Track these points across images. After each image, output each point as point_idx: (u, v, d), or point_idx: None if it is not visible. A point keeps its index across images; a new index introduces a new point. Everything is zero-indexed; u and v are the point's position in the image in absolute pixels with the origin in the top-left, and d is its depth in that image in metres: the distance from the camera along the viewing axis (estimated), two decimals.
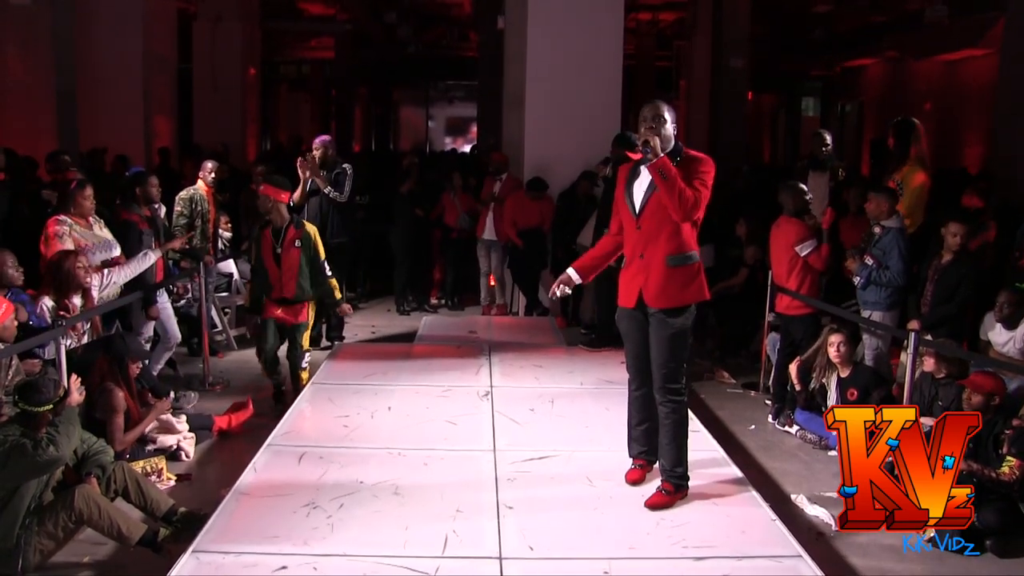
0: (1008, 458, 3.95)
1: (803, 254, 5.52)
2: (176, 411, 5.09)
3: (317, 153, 6.76)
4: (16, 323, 4.19)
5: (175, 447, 4.75)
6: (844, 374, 5.18)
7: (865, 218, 5.92)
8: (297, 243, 5.47)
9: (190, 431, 4.87)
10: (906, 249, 5.39)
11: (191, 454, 4.80)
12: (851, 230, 6.43)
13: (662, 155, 3.61)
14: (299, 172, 6.56)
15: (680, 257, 3.73)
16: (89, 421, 4.20)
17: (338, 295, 5.78)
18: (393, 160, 13.34)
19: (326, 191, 6.71)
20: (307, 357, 5.72)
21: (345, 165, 6.87)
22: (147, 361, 5.33)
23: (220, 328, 7.17)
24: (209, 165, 6.86)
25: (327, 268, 5.58)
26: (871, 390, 5.00)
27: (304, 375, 5.71)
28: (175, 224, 6.49)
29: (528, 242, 7.86)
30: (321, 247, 5.58)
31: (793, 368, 5.43)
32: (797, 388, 5.40)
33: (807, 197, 5.64)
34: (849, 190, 7.08)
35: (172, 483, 4.47)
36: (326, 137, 7.03)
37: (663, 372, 3.78)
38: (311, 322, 5.75)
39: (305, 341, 5.68)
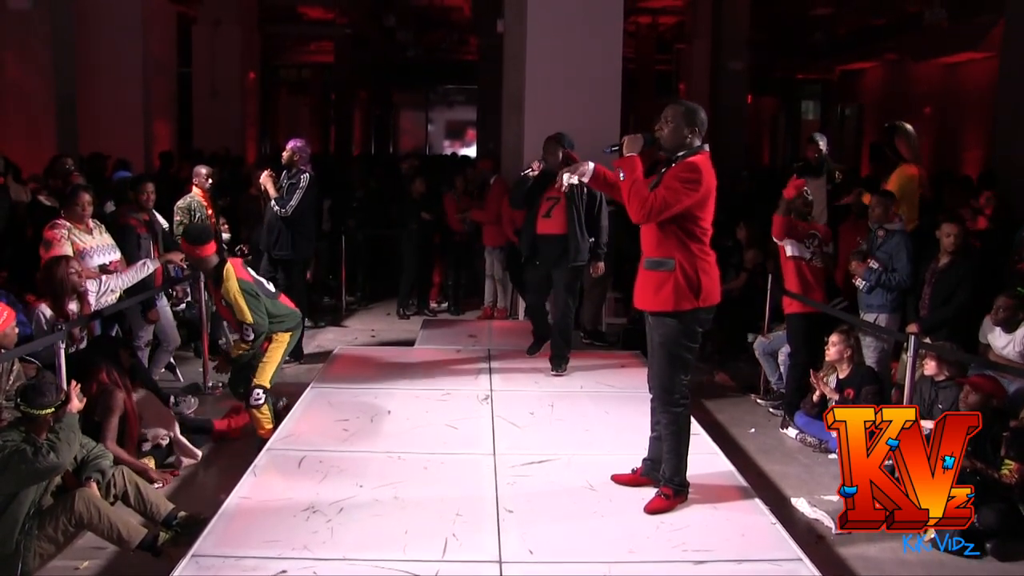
0: (1007, 461, 3.95)
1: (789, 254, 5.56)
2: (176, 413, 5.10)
3: (284, 155, 6.65)
4: (17, 330, 4.20)
5: (167, 442, 4.76)
6: (843, 375, 5.19)
7: (865, 222, 5.93)
8: (224, 302, 4.68)
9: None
10: (913, 250, 5.41)
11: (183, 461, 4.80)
12: (851, 234, 6.43)
13: (629, 154, 3.63)
14: (262, 181, 6.57)
15: (655, 261, 3.69)
16: (88, 425, 4.20)
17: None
18: (391, 162, 13.35)
19: (271, 204, 6.53)
20: (259, 396, 4.73)
21: (304, 175, 6.60)
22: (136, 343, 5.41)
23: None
24: (203, 171, 6.86)
25: (249, 332, 4.68)
26: (862, 387, 5.01)
27: (260, 416, 4.78)
28: (175, 233, 6.48)
29: None
30: (243, 306, 4.61)
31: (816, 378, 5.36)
32: (815, 399, 5.28)
33: (808, 199, 5.64)
34: (851, 194, 7.10)
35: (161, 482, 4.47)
36: (298, 142, 6.81)
37: (656, 382, 3.80)
38: (275, 358, 4.84)
39: (263, 376, 4.76)
